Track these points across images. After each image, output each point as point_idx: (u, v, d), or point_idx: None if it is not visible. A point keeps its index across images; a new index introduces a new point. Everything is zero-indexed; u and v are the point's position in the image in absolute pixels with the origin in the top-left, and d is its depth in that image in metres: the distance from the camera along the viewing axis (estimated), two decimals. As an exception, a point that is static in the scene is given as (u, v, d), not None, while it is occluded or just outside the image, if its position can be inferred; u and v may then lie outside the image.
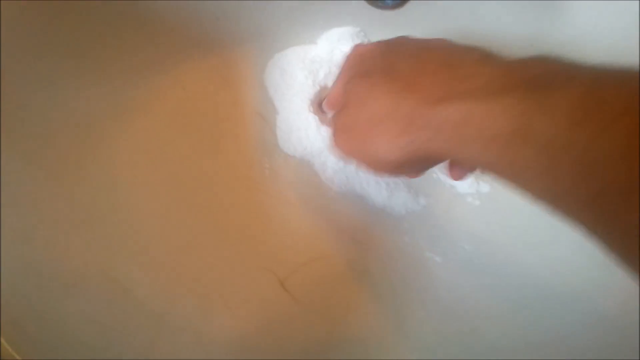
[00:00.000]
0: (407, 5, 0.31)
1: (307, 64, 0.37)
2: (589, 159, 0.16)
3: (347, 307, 0.34)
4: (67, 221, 0.28)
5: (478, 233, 0.36)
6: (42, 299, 0.24)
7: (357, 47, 0.30)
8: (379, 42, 0.29)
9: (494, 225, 0.36)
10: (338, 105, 0.29)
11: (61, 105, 0.30)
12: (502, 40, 0.32)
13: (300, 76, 0.36)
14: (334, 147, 0.29)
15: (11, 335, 0.23)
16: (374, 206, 0.37)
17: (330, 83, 0.37)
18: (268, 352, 0.29)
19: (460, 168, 0.28)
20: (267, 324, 0.31)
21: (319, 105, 0.37)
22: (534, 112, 0.18)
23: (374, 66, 0.26)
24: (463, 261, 0.35)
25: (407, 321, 0.34)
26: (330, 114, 0.36)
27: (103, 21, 0.31)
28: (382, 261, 0.36)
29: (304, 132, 0.37)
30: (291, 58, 0.37)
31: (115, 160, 0.31)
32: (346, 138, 0.28)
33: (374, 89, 0.25)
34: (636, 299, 0.30)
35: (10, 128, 0.27)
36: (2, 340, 0.22)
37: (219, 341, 0.28)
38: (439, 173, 0.38)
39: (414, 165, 0.25)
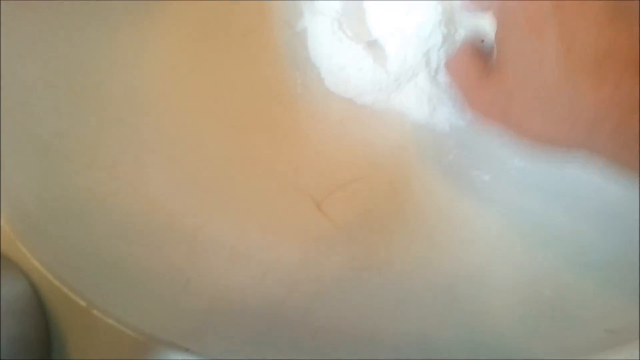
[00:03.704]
0: None
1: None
2: None
3: (387, 230, 0.32)
4: (91, 135, 0.26)
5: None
6: (68, 213, 0.23)
7: None
8: None
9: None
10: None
11: (77, 17, 0.29)
12: None
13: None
14: (481, 108, 0.24)
15: (38, 253, 0.22)
16: (415, 123, 0.34)
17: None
18: (304, 273, 0.28)
19: None
20: (303, 245, 0.30)
21: None
22: None
23: (547, 20, 0.21)
24: (513, 178, 0.32)
25: (452, 243, 0.31)
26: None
27: None
28: (424, 181, 0.33)
29: (338, 44, 0.34)
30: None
31: (140, 73, 0.30)
32: (498, 106, 0.23)
33: (548, 60, 0.21)
34: None
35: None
36: (34, 261, 0.22)
37: (254, 259, 0.27)
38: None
39: (574, 151, 0.22)
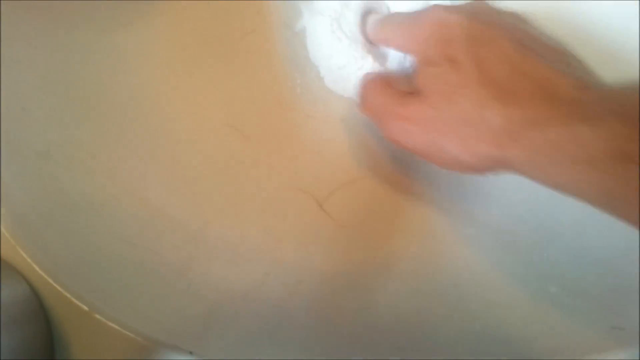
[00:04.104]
0: None
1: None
2: None
3: (389, 229, 0.32)
4: (91, 140, 0.26)
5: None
6: (69, 218, 0.23)
7: (437, 10, 0.26)
8: (465, 12, 0.25)
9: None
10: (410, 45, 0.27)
11: (75, 23, 0.29)
12: None
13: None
14: (397, 137, 0.26)
15: (39, 259, 0.22)
16: (417, 121, 0.34)
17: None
18: (306, 274, 0.28)
19: None
20: (305, 246, 0.29)
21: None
22: None
23: (461, 52, 0.24)
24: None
25: (455, 241, 0.31)
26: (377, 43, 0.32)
27: None
28: (426, 180, 0.33)
29: (337, 43, 0.33)
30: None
31: (138, 77, 0.30)
32: (416, 132, 0.25)
33: (462, 86, 0.23)
34: None
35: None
36: (35, 267, 0.22)
37: (256, 260, 0.27)
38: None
39: (486, 172, 0.24)
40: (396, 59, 0.32)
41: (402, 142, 0.26)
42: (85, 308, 0.20)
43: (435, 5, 0.26)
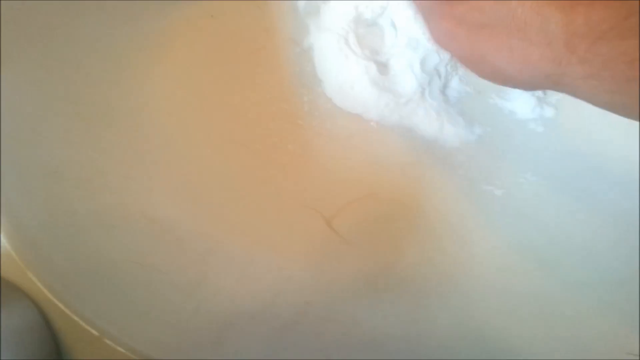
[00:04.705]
0: None
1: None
2: None
3: (398, 247, 0.32)
4: (100, 159, 0.26)
5: (543, 162, 0.33)
6: (78, 239, 0.23)
7: None
8: None
9: (561, 153, 0.33)
10: None
11: (84, 41, 0.29)
12: None
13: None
14: (442, 38, 0.24)
15: (49, 283, 0.22)
16: (424, 138, 0.34)
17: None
18: (315, 293, 0.28)
19: None
20: (314, 265, 0.29)
21: None
22: None
23: None
24: (527, 193, 0.32)
25: (465, 259, 0.31)
26: None
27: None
28: (435, 197, 0.33)
29: (344, 60, 0.33)
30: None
31: (148, 96, 0.30)
32: (460, 36, 0.22)
33: None
34: None
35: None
36: (45, 291, 0.21)
37: (265, 280, 0.27)
38: (495, 98, 0.34)
39: (537, 87, 0.21)
40: (405, 76, 0.32)
41: (445, 46, 0.24)
42: (96, 333, 0.20)
43: None
